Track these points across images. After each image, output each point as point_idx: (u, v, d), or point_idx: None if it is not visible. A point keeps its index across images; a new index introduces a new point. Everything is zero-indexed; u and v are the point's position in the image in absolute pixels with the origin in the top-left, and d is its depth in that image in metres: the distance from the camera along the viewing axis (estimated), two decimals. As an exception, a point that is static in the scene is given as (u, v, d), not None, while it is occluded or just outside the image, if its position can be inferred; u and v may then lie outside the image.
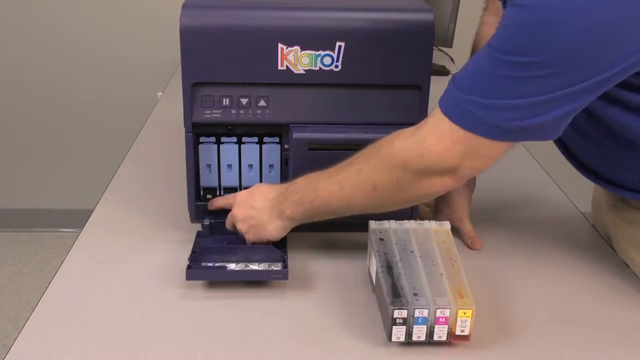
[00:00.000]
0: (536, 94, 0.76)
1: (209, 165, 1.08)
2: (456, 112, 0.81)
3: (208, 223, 1.08)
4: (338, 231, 1.13)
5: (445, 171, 0.85)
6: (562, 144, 1.06)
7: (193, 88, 1.01)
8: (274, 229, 0.99)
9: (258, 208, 0.99)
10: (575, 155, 1.05)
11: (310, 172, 0.99)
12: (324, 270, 1.04)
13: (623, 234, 1.06)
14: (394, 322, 0.84)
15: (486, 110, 0.79)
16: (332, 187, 0.92)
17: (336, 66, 1.00)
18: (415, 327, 0.85)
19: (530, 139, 0.82)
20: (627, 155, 0.94)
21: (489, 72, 0.79)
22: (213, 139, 1.06)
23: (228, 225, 1.05)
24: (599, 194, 1.19)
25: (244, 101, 1.02)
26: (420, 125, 0.86)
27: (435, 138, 0.83)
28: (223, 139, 1.07)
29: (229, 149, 1.07)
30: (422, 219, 1.07)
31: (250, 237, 1.02)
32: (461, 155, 0.83)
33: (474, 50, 1.17)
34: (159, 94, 1.95)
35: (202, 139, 1.06)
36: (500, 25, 0.78)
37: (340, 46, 0.99)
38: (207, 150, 1.07)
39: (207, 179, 1.09)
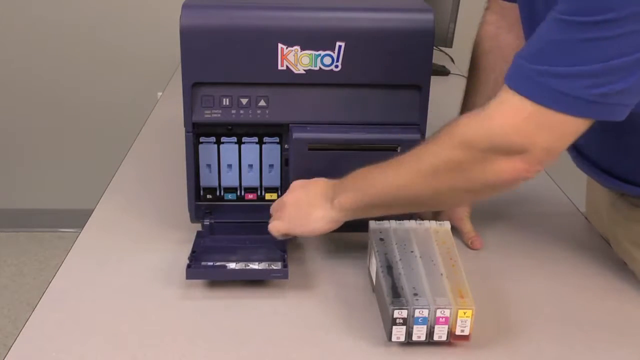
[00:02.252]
0: (614, 56, 0.70)
1: (209, 165, 1.08)
2: (526, 85, 0.75)
3: (208, 223, 1.08)
4: (338, 231, 1.13)
5: (515, 152, 0.77)
6: None
7: (193, 88, 1.01)
8: (321, 218, 0.94)
9: (310, 193, 0.96)
10: (575, 143, 1.04)
11: (310, 172, 0.99)
12: (324, 270, 1.04)
13: (623, 232, 1.06)
14: (394, 322, 0.84)
15: (563, 79, 0.72)
16: (388, 176, 0.87)
17: (336, 66, 1.00)
18: (415, 327, 0.85)
19: (604, 113, 0.74)
20: (627, 140, 0.93)
21: (559, 37, 0.72)
22: (213, 139, 1.06)
23: (272, 229, 1.00)
24: (596, 193, 1.19)
25: (244, 101, 1.03)
26: (487, 104, 0.79)
27: (503, 115, 0.77)
28: (223, 139, 1.07)
29: (229, 149, 1.07)
30: (422, 219, 1.07)
31: (291, 226, 0.97)
32: (532, 133, 0.75)
33: (474, 50, 1.17)
34: (159, 94, 1.95)
35: (202, 139, 1.06)
36: None
37: (340, 46, 0.99)
38: (207, 150, 1.07)
39: (207, 179, 1.09)
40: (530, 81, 0.75)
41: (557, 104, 0.74)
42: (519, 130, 0.76)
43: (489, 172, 0.79)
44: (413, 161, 0.85)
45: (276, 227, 0.99)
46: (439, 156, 0.82)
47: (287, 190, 1.00)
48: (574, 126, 0.76)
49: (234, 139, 1.07)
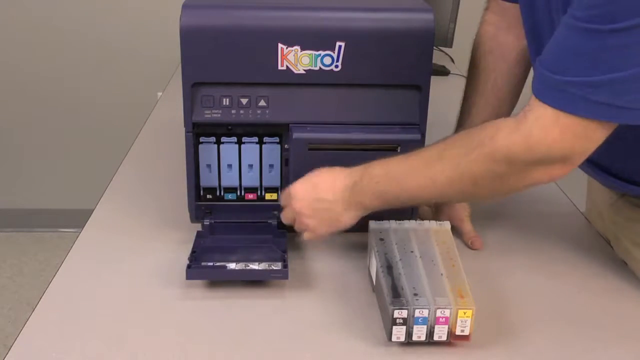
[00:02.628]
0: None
1: (209, 165, 1.08)
2: (557, 98, 0.77)
3: (208, 223, 1.08)
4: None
5: (556, 161, 0.81)
6: None
7: (193, 88, 1.01)
8: (349, 219, 0.95)
9: (329, 200, 0.94)
10: None
11: (307, 168, 0.98)
12: (324, 270, 1.04)
13: (624, 232, 1.06)
14: (394, 322, 0.84)
15: (596, 88, 0.74)
16: (422, 182, 0.88)
17: (336, 66, 1.00)
18: (415, 327, 0.85)
19: (637, 117, 0.76)
20: (629, 141, 0.93)
21: (582, 47, 0.73)
22: (213, 139, 1.06)
23: (287, 221, 1.00)
24: (597, 194, 1.19)
25: (244, 101, 1.03)
26: (522, 118, 0.81)
27: (541, 130, 0.78)
28: (223, 139, 1.07)
29: (229, 149, 1.07)
30: (422, 219, 1.07)
31: (323, 230, 0.97)
32: (571, 143, 0.78)
33: (474, 50, 1.17)
34: (159, 94, 1.95)
35: (202, 139, 1.06)
36: None
37: (340, 46, 0.99)
38: (207, 150, 1.07)
39: (207, 179, 1.09)
40: (561, 93, 0.76)
41: (591, 113, 0.76)
42: (558, 143, 0.79)
43: (529, 179, 0.83)
44: (451, 171, 0.86)
45: (303, 226, 0.98)
46: (481, 170, 0.84)
47: (293, 199, 0.97)
48: (607, 130, 0.78)
49: (234, 139, 1.07)
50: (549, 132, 0.78)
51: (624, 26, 0.69)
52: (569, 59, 0.76)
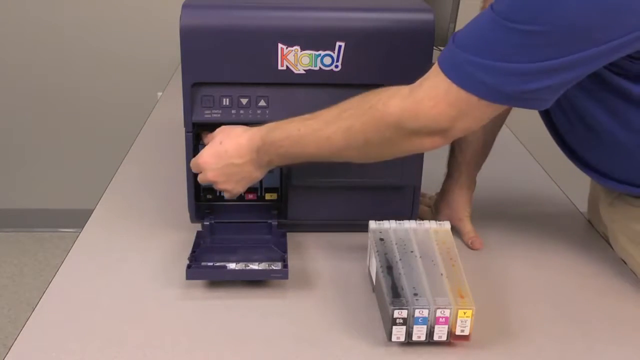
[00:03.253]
0: (539, 59, 0.78)
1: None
2: (457, 72, 0.82)
3: (208, 223, 1.08)
4: (338, 231, 1.13)
5: (437, 132, 0.87)
6: (553, 129, 1.06)
7: (193, 88, 1.01)
8: (261, 174, 1.01)
9: (239, 164, 0.99)
10: (566, 141, 1.05)
11: (310, 172, 1.00)
12: (324, 270, 1.04)
13: (621, 231, 1.06)
14: (394, 322, 0.84)
15: (488, 72, 0.80)
16: (320, 142, 0.93)
17: (336, 66, 1.00)
18: (415, 327, 0.85)
19: (522, 104, 0.83)
20: (623, 147, 0.95)
21: (492, 34, 0.80)
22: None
23: (203, 182, 1.04)
24: (596, 192, 1.19)
25: (244, 101, 1.03)
26: (417, 85, 0.87)
27: (432, 100, 0.84)
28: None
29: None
30: (422, 219, 1.07)
31: (239, 188, 1.02)
32: (455, 118, 0.85)
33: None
34: (159, 94, 1.95)
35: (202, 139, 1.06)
36: None
37: (340, 46, 0.99)
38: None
39: (207, 179, 1.09)
40: (461, 69, 0.82)
41: (482, 93, 0.82)
42: (445, 115, 0.85)
43: (414, 145, 0.89)
44: (346, 131, 0.91)
45: (209, 179, 1.02)
46: (372, 131, 0.89)
47: (203, 168, 1.01)
48: (493, 112, 0.86)
49: None
50: (437, 103, 0.84)
51: (524, 29, 0.77)
52: (476, 40, 0.82)
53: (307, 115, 0.95)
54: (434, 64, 0.86)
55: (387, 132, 0.88)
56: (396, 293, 0.86)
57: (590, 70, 0.81)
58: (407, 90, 0.87)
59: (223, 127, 1.02)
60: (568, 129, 1.03)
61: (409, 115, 0.86)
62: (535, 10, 0.76)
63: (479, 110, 0.84)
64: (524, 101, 0.82)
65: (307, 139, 0.94)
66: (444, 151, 1.13)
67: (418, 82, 0.87)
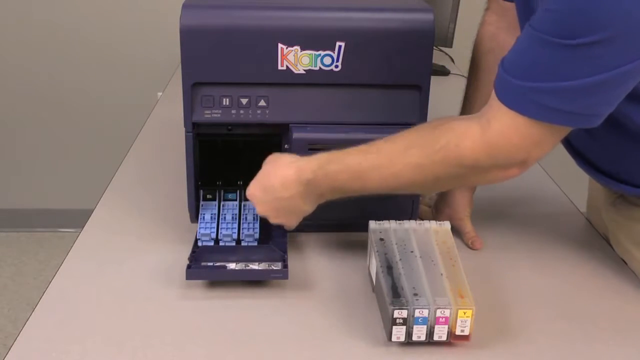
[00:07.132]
0: (597, 72, 0.76)
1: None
2: (518, 102, 0.81)
3: (208, 223, 1.08)
4: (338, 231, 1.13)
5: (514, 165, 0.86)
6: None
7: (193, 88, 1.01)
8: (311, 207, 0.97)
9: (286, 197, 0.94)
10: (573, 145, 1.05)
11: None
12: (324, 270, 1.04)
13: (623, 231, 1.06)
14: (394, 322, 0.84)
15: (551, 95, 0.78)
16: (386, 178, 0.90)
17: (336, 66, 1.00)
18: (415, 327, 0.85)
19: (589, 122, 0.81)
20: (626, 146, 0.94)
21: (543, 56, 0.78)
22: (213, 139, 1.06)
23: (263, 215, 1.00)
24: (597, 193, 1.19)
25: (244, 101, 1.03)
26: (485, 124, 0.84)
27: (505, 138, 0.83)
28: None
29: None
30: (422, 219, 1.07)
31: (293, 221, 0.99)
32: (530, 148, 0.83)
33: (474, 50, 1.17)
34: (159, 94, 1.95)
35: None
36: (546, 10, 0.77)
37: (340, 46, 0.99)
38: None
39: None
40: (522, 98, 0.80)
41: (550, 118, 0.80)
42: (518, 149, 0.83)
43: (487, 178, 0.89)
44: (414, 170, 0.88)
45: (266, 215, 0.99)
46: (444, 171, 0.88)
47: (254, 201, 0.98)
48: (563, 134, 0.85)
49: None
50: (511, 139, 0.83)
51: (579, 42, 0.74)
52: (527, 66, 0.80)
53: (363, 147, 0.92)
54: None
55: (462, 170, 0.87)
56: (396, 293, 0.86)
57: None
58: (478, 130, 0.85)
59: (271, 156, 0.98)
60: (576, 132, 1.02)
61: (485, 156, 0.85)
62: (592, 19, 0.73)
63: (552, 136, 0.83)
64: (590, 118, 0.81)
65: (371, 174, 0.90)
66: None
67: (485, 118, 0.85)
